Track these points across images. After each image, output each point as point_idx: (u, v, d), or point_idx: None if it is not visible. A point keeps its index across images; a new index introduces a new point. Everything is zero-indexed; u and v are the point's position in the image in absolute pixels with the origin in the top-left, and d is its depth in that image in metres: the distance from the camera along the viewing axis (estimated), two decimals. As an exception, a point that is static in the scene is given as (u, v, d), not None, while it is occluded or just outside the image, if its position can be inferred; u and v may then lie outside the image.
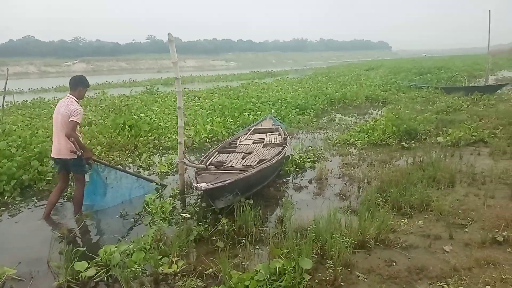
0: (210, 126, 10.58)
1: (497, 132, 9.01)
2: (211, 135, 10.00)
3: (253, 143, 8.34)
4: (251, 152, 7.43)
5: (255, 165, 6.25)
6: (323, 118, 13.04)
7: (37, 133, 9.17)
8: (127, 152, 8.94)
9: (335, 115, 13.51)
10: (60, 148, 5.24)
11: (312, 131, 10.97)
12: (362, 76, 26.64)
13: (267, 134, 9.10)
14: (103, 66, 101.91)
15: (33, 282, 3.84)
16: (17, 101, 19.24)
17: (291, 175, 7.02)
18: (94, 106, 16.21)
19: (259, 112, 12.31)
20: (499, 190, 5.63)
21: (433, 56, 76.93)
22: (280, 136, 8.70)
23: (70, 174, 5.61)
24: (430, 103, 14.33)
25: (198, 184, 4.71)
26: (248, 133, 9.28)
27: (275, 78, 32.12)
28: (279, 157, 6.66)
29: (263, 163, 6.11)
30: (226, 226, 4.68)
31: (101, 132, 9.96)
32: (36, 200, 6.25)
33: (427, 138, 9.02)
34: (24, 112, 14.88)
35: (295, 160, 7.45)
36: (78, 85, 5.37)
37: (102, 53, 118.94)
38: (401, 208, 5.09)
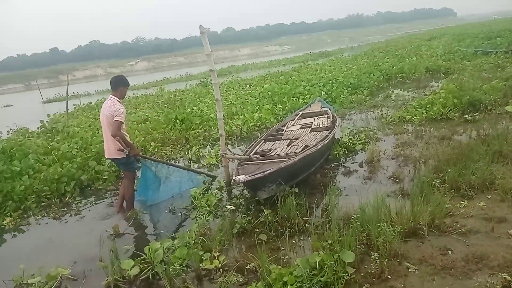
0: (259, 114, 10.48)
1: None
2: (259, 123, 9.88)
3: (301, 128, 8.10)
4: (297, 138, 7.21)
5: (299, 152, 6.05)
6: (379, 95, 12.34)
7: (98, 133, 9.69)
8: (178, 146, 9.15)
9: (392, 91, 12.71)
10: (109, 148, 5.43)
11: (366, 110, 10.42)
12: (423, 47, 24.89)
13: (315, 118, 8.79)
14: (162, 62, 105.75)
15: (85, 281, 4.02)
16: (83, 104, 20.61)
17: (341, 159, 6.71)
18: (152, 102, 16.79)
19: (309, 96, 11.96)
20: None
21: (506, 18, 69.81)
22: (328, 119, 8.36)
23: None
24: (499, 69, 12.95)
25: (236, 177, 4.65)
26: (296, 118, 9.03)
27: (329, 58, 31.16)
28: (326, 142, 6.37)
29: (308, 150, 5.89)
30: (269, 218, 4.57)
31: (155, 128, 10.28)
32: (94, 199, 6.60)
33: (493, 108, 8.13)
34: (89, 114, 15.86)
35: (345, 143, 7.11)
36: (119, 85, 5.48)
37: (161, 50, 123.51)
38: (460, 189, 4.63)
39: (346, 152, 6.94)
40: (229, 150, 6.14)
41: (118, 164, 5.84)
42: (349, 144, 7.16)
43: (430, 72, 14.98)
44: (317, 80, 14.05)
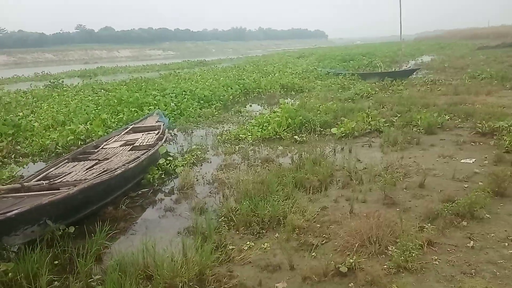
0: (86, 125, 9.13)
1: (394, 120, 8.48)
2: (83, 136, 8.53)
3: (121, 145, 7.10)
4: (107, 159, 6.19)
5: (94, 177, 5.04)
6: (232, 109, 12.00)
7: None
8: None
9: (246, 107, 12.55)
10: None
11: (212, 125, 9.89)
12: (290, 64, 26.05)
13: (145, 133, 7.90)
14: (27, 58, 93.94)
15: None
16: None
17: (155, 184, 5.87)
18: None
19: (157, 106, 11.00)
20: (373, 192, 4.90)
21: (366, 43, 78.87)
22: (157, 136, 7.53)
23: None
24: (341, 90, 13.77)
25: None
26: (123, 133, 8.01)
27: (202, 68, 30.69)
28: (132, 165, 5.49)
29: (102, 176, 4.93)
30: (8, 275, 3.44)
31: None
32: None
33: (322, 130, 8.25)
34: None
35: (162, 165, 6.32)
36: None
37: (26, 44, 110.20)
38: (250, 226, 4.15)
39: (163, 176, 6.14)
40: None
41: None
42: (169, 166, 6.40)
43: (285, 89, 15.34)
44: (170, 90, 13.17)
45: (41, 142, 8.19)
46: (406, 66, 20.07)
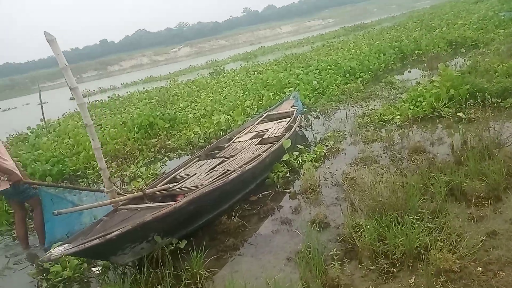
0: (228, 114, 9.09)
1: None
2: (223, 127, 8.46)
3: (251, 138, 6.68)
4: (232, 156, 5.82)
5: (210, 181, 4.69)
6: (383, 81, 10.39)
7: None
8: (128, 160, 8.08)
9: (400, 75, 10.72)
10: None
11: (356, 103, 8.65)
12: (463, 13, 21.68)
13: (277, 122, 7.30)
14: (204, 47, 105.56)
15: None
16: (95, 101, 20.22)
17: (277, 186, 5.21)
18: (149, 99, 15.84)
19: (294, 88, 10.30)
20: None
21: None
22: (288, 124, 6.84)
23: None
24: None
25: (47, 254, 3.26)
26: (255, 123, 7.59)
27: (362, 32, 28.41)
28: (251, 165, 4.94)
29: (218, 181, 4.56)
30: None
31: (116, 137, 9.26)
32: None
33: (501, 101, 6.12)
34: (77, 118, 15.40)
35: (288, 161, 5.60)
36: None
37: (203, 34, 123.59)
38: (377, 260, 3.07)
39: (288, 174, 5.43)
40: (115, 185, 4.87)
41: (9, 197, 4.96)
42: (296, 161, 5.65)
43: (453, 47, 12.55)
44: (315, 66, 12.24)
45: (188, 135, 8.50)
46: None
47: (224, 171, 5.08)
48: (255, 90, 11.47)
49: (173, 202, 4.17)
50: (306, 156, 5.77)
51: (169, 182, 5.26)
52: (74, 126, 12.35)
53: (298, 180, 5.26)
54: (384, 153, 5.44)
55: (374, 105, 8.09)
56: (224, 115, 9.04)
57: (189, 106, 11.93)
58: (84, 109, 4.37)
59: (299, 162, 5.65)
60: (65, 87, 30.25)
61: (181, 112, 11.00)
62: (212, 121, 8.66)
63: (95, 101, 20.08)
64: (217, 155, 6.12)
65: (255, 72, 16.86)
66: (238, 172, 4.74)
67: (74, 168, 7.89)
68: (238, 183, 4.81)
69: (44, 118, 13.40)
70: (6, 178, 4.54)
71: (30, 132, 12.73)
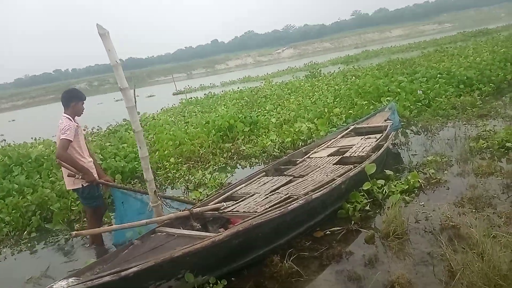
0: (312, 122, 8.13)
1: None
2: (303, 136, 7.53)
3: (329, 155, 5.65)
4: (302, 176, 4.89)
5: (265, 209, 3.85)
6: (507, 95, 8.44)
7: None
8: (200, 163, 7.62)
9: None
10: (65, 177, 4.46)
11: (469, 121, 7.04)
12: None
13: (364, 137, 6.14)
14: (308, 49, 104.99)
15: None
16: (191, 98, 20.75)
17: (353, 220, 4.15)
18: (239, 99, 15.54)
19: (392, 97, 8.90)
20: None
21: None
22: (377, 142, 5.66)
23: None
24: None
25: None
26: (339, 136, 6.52)
27: (484, 38, 24.88)
28: (319, 193, 3.98)
29: (278, 207, 3.71)
30: None
31: (194, 137, 8.91)
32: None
33: None
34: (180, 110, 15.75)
35: (370, 190, 4.48)
36: (69, 100, 4.47)
37: (309, 36, 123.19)
38: None
39: (367, 208, 4.31)
40: (164, 199, 4.27)
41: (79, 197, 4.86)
42: (381, 191, 4.50)
43: None
44: (422, 73, 10.56)
45: (264, 143, 7.78)
46: None
47: (287, 195, 4.18)
48: (347, 96, 10.29)
49: (211, 235, 3.43)
50: (394, 186, 4.58)
51: (225, 200, 4.55)
52: (164, 121, 12.54)
53: (379, 217, 4.13)
54: (503, 193, 4.03)
55: (494, 125, 6.44)
56: (307, 122, 8.10)
57: (275, 110, 11.22)
58: (133, 113, 3.88)
59: (385, 192, 4.49)
60: (175, 82, 32.47)
61: (264, 116, 10.35)
62: (294, 129, 7.78)
63: (191, 98, 20.57)
64: (285, 172, 5.24)
65: (353, 77, 15.51)
66: (302, 201, 3.81)
67: (146, 167, 7.67)
68: (301, 213, 3.89)
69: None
70: (80, 176, 4.29)
71: (125, 124, 13.28)
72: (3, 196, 6.56)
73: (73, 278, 2.83)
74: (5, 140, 12.37)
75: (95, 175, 4.43)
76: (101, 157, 7.91)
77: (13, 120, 34.39)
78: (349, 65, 25.67)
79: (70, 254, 4.80)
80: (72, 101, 4.45)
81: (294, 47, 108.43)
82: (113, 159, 7.65)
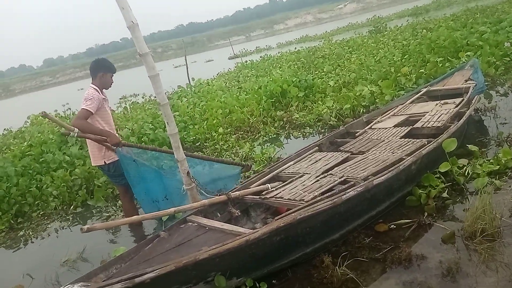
0: (375, 85, 7.11)
1: None
2: (365, 102, 6.60)
3: (396, 125, 4.76)
4: (362, 153, 4.10)
5: (314, 196, 3.19)
6: None
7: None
8: (250, 133, 7.05)
9: None
10: (92, 152, 4.22)
11: None
12: None
13: (440, 103, 5.10)
14: (372, 2, 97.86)
15: None
16: (246, 61, 19.99)
17: (426, 211, 3.34)
18: (294, 61, 14.55)
19: (475, 52, 7.51)
20: None
21: None
22: (457, 109, 4.65)
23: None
24: None
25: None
26: (408, 101, 5.52)
27: None
28: (385, 178, 3.22)
29: (330, 196, 3.05)
30: None
31: (244, 105, 8.30)
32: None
33: None
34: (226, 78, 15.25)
35: (448, 172, 3.60)
36: (97, 71, 4.15)
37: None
38: None
39: (445, 195, 3.46)
40: (196, 183, 3.72)
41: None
42: (463, 172, 3.61)
43: None
44: (510, 21, 8.86)
45: (319, 110, 6.97)
46: None
47: (342, 179, 3.47)
48: (418, 53, 8.96)
49: (246, 231, 2.86)
50: (480, 166, 3.65)
51: (270, 181, 3.95)
52: (218, 87, 12.08)
53: (461, 208, 3.28)
54: None
55: None
56: (370, 85, 7.11)
57: (334, 71, 10.20)
58: (157, 83, 3.38)
59: (467, 174, 3.60)
60: (233, 46, 31.63)
61: (322, 78, 9.42)
62: (354, 93, 6.86)
63: (246, 61, 19.82)
64: (342, 147, 4.48)
65: (424, 30, 13.73)
66: (360, 188, 3.09)
67: (194, 138, 7.28)
68: (360, 203, 3.18)
69: (189, 78, 13.56)
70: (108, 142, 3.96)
71: (180, 91, 13.05)
72: (55, 168, 6.51)
73: (81, 283, 2.44)
74: (70, 109, 12.66)
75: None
76: (151, 126, 7.67)
77: (82, 89, 36.20)
78: (418, 17, 23.22)
79: (109, 233, 4.56)
80: (100, 71, 4.11)
81: (357, 1, 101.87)
82: (163, 129, 7.34)
